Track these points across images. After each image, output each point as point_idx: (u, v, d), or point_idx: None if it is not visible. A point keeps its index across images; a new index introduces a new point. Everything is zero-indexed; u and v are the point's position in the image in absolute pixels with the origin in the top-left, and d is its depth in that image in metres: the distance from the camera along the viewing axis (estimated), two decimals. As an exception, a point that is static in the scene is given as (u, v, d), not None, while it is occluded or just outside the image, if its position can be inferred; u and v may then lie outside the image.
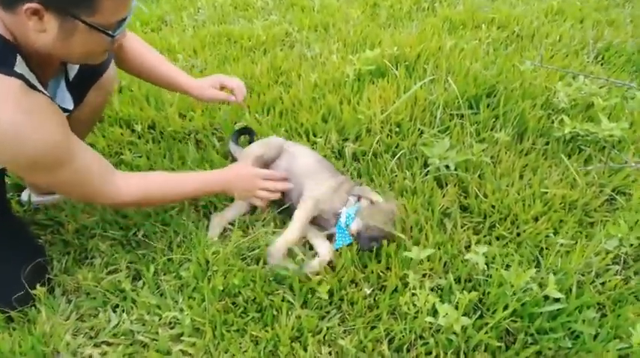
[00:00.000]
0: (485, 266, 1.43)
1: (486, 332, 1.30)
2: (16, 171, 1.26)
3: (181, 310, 1.44)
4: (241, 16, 2.95)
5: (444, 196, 1.69)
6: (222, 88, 1.83)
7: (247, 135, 1.96)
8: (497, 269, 1.40)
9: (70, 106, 1.48)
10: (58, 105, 1.41)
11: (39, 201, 1.87)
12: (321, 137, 1.96)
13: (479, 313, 1.36)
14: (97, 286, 1.52)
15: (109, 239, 1.69)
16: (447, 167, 1.70)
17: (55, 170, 1.26)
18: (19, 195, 1.90)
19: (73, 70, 1.48)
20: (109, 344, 1.40)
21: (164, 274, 1.55)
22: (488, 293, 1.39)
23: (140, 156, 1.95)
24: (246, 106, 2.04)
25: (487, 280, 1.43)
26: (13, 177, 1.97)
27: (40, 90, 1.21)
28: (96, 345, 1.39)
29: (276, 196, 1.68)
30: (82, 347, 1.38)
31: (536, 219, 1.63)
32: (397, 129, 1.93)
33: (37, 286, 1.48)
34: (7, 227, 1.57)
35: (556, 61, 2.36)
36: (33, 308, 1.47)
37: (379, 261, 1.52)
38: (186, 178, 1.60)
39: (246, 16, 3.00)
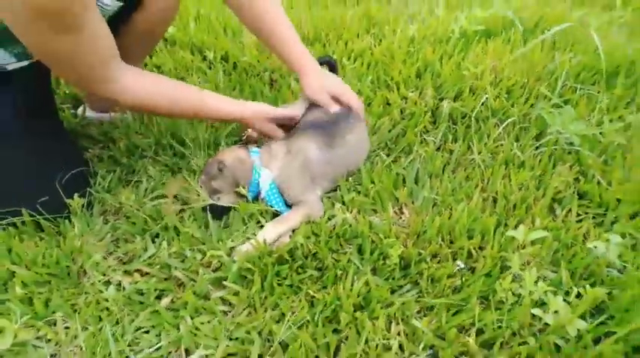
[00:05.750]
0: (617, 259, 1.11)
1: (612, 344, 0.99)
2: (14, 24, 1.04)
3: (230, 250, 1.22)
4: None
5: (559, 175, 1.37)
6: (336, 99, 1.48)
7: (327, 65, 1.64)
8: (637, 268, 1.08)
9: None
10: None
11: (92, 117, 1.71)
12: (412, 92, 1.68)
13: (600, 318, 1.05)
14: (139, 210, 1.33)
15: (161, 164, 1.50)
16: (570, 143, 1.39)
17: (59, 33, 1.05)
18: (74, 109, 1.75)
19: None
20: (141, 273, 1.19)
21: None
22: (616, 295, 1.08)
23: (207, 83, 1.74)
24: None
25: (616, 278, 1.11)
26: (71, 88, 1.83)
27: None
28: (127, 272, 1.19)
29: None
30: (111, 271, 1.18)
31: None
32: (506, 95, 1.62)
33: (75, 197, 1.30)
34: (52, 130, 1.41)
35: None
36: (66, 220, 1.29)
37: (471, 237, 1.23)
38: (211, 99, 1.36)
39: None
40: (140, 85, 1.24)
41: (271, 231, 1.24)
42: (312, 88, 1.47)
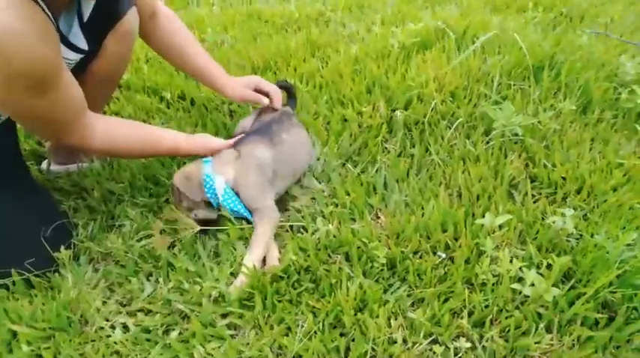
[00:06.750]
0: (574, 229, 1.26)
1: (583, 304, 1.13)
2: None
3: (228, 277, 1.27)
4: (270, -2, 2.83)
5: (511, 163, 1.53)
6: (258, 91, 1.62)
7: (286, 90, 1.73)
8: (591, 235, 1.23)
9: (85, 47, 1.33)
10: (72, 43, 1.28)
11: (59, 170, 1.71)
12: (366, 107, 1.80)
13: (569, 283, 1.19)
14: (127, 253, 1.35)
15: (139, 206, 1.52)
16: (515, 134, 1.55)
17: (35, 95, 1.11)
18: (37, 165, 1.74)
19: (88, 9, 1.31)
20: (144, 312, 1.22)
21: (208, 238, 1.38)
22: (579, 261, 1.23)
23: (169, 122, 1.79)
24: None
25: (575, 246, 1.26)
26: (31, 144, 1.82)
27: (45, 13, 1.06)
28: (130, 314, 1.21)
29: None
30: (114, 315, 1.20)
31: (615, 190, 1.47)
32: (451, 99, 1.78)
33: (62, 249, 1.31)
34: (26, 188, 1.42)
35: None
36: (56, 274, 1.30)
37: (445, 230, 1.35)
38: (166, 136, 1.44)
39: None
40: (104, 130, 1.31)
41: (254, 255, 1.30)
42: (235, 90, 1.60)
